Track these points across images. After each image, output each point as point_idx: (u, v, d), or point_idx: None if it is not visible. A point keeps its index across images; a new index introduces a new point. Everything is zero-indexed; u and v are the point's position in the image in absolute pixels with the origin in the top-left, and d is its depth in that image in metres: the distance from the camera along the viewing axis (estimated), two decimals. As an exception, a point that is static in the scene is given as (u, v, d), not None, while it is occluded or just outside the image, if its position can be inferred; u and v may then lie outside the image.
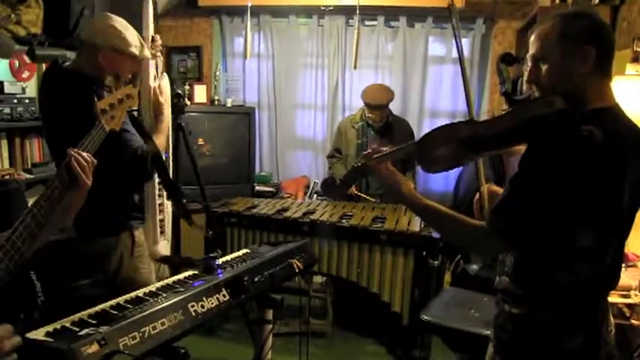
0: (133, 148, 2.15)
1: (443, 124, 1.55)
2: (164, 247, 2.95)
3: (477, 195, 1.80)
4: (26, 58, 3.34)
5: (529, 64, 1.49)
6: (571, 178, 1.29)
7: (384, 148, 1.71)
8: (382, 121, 3.97)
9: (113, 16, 2.24)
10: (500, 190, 1.77)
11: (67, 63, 2.27)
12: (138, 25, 2.82)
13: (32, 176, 3.42)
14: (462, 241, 1.66)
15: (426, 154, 1.56)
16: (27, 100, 3.43)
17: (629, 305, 2.33)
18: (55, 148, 2.26)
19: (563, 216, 1.33)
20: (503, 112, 1.52)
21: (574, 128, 1.31)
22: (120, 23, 2.22)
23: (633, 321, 2.30)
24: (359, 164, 1.74)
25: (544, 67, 1.43)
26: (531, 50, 1.46)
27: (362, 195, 3.92)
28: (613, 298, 2.25)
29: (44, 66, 3.59)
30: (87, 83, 2.12)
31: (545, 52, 1.43)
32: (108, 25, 2.19)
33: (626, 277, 2.35)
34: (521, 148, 1.43)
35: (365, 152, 1.74)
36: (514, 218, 1.37)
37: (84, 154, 1.47)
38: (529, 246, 1.41)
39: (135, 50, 2.24)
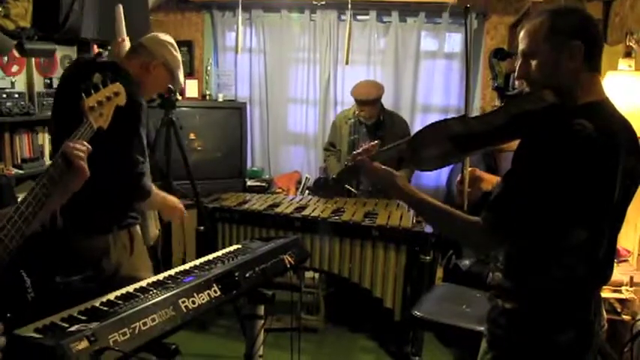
0: (137, 171, 2.19)
1: (434, 119, 1.54)
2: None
3: (459, 177, 1.79)
4: (15, 53, 3.30)
5: (518, 60, 1.49)
6: (564, 173, 1.30)
7: (381, 148, 1.70)
8: (373, 118, 3.94)
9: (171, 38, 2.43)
10: (483, 175, 1.78)
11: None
12: (130, 18, 2.83)
13: (22, 172, 3.39)
14: (458, 237, 1.65)
15: (418, 153, 1.55)
16: (16, 95, 3.40)
17: (620, 300, 2.34)
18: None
19: (557, 210, 1.33)
20: (495, 108, 1.51)
21: (566, 122, 1.31)
22: (177, 46, 2.39)
23: (624, 316, 2.31)
24: (351, 163, 1.72)
25: (533, 63, 1.43)
26: (520, 46, 1.47)
27: (350, 188, 3.86)
28: (605, 293, 2.26)
29: (34, 60, 3.55)
30: (134, 83, 2.21)
31: (534, 47, 1.43)
32: (169, 43, 2.35)
33: (618, 272, 2.36)
34: (514, 144, 1.43)
35: (355, 152, 1.72)
36: (509, 214, 1.37)
37: (79, 142, 1.49)
38: (523, 241, 1.41)
39: (180, 75, 2.41)
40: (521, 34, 1.47)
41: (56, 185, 1.43)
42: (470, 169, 1.78)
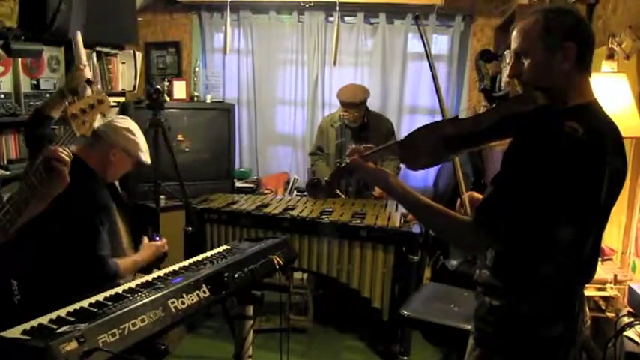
0: (97, 254, 2.18)
1: (421, 121, 1.57)
2: None
3: (459, 202, 1.81)
4: (1, 53, 3.27)
5: (511, 59, 1.50)
6: (554, 174, 1.31)
7: (368, 146, 1.71)
8: (358, 122, 3.95)
9: (130, 120, 2.43)
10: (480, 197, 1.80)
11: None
12: (117, 18, 2.81)
13: (8, 173, 3.36)
14: (449, 236, 1.66)
15: (410, 153, 1.57)
16: (2, 96, 3.37)
17: (604, 298, 2.37)
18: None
19: (546, 210, 1.35)
20: (486, 109, 1.53)
21: (556, 124, 1.33)
22: (135, 128, 2.40)
23: (608, 313, 2.34)
24: (344, 164, 1.72)
25: (526, 62, 1.45)
26: (513, 45, 1.48)
27: (337, 192, 3.87)
28: (589, 291, 2.28)
29: (20, 61, 3.52)
30: (90, 177, 2.27)
31: (527, 47, 1.44)
32: (125, 128, 2.35)
33: (602, 270, 2.39)
34: (501, 143, 1.45)
35: (349, 151, 1.73)
36: (499, 214, 1.38)
37: (61, 148, 1.50)
38: (512, 240, 1.43)
39: (142, 156, 2.42)
40: (514, 33, 1.48)
41: (35, 191, 1.44)
42: (468, 193, 1.81)
